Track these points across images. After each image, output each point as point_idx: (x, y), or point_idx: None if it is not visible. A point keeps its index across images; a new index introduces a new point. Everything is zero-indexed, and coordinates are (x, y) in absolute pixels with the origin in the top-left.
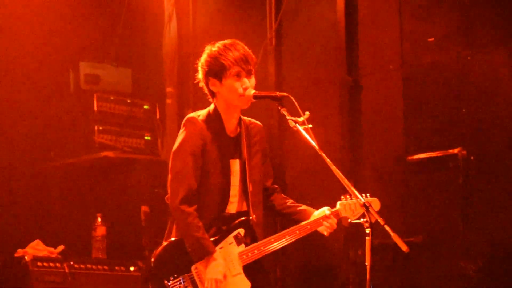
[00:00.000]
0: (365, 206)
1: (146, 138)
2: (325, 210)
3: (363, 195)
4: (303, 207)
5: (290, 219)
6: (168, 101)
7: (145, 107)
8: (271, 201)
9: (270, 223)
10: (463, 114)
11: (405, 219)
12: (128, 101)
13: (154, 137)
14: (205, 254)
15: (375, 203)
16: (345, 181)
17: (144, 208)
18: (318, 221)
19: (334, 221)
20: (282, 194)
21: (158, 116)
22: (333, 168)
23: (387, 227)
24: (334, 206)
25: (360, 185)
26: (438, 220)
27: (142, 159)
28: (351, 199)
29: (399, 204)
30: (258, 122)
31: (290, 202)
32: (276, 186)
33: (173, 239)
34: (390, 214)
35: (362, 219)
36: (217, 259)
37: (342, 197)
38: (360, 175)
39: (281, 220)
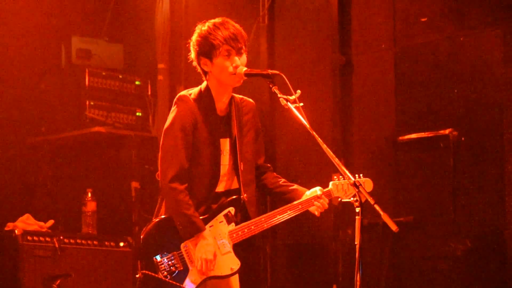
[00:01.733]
0: (356, 185)
1: (137, 114)
2: (317, 190)
3: (357, 175)
4: (295, 186)
5: (282, 199)
6: (160, 77)
7: (137, 83)
8: (263, 179)
9: (261, 202)
10: (454, 95)
11: (395, 199)
12: (120, 76)
13: (145, 113)
14: (194, 231)
15: (368, 184)
16: (335, 160)
17: (134, 184)
18: (310, 201)
19: (325, 201)
20: (274, 173)
21: (149, 92)
22: (324, 147)
23: (377, 207)
24: (324, 184)
25: (351, 164)
26: (428, 200)
27: (133, 135)
28: (343, 179)
29: (389, 184)
30: (250, 100)
31: (282, 181)
32: (268, 164)
33: (163, 216)
34: (380, 194)
35: (352, 198)
36: (206, 238)
37: (335, 177)
38: (350, 154)
39: (272, 199)
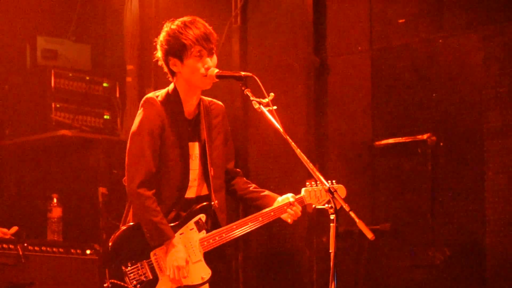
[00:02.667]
0: (330, 191)
1: (105, 117)
2: (289, 197)
3: (329, 181)
4: (266, 192)
5: (252, 205)
6: (129, 79)
7: (105, 84)
8: (233, 185)
9: (233, 208)
10: (433, 99)
11: (372, 206)
12: (87, 78)
13: (114, 116)
14: (163, 239)
15: (341, 190)
16: (310, 166)
17: (101, 190)
18: (282, 208)
19: (298, 208)
20: (244, 178)
21: (118, 95)
22: (298, 152)
23: (352, 214)
24: (299, 191)
25: (326, 170)
26: (406, 207)
27: (100, 138)
28: (316, 185)
29: (365, 191)
30: (220, 103)
31: (252, 187)
32: (238, 169)
33: (131, 223)
34: (357, 200)
35: (327, 205)
36: (176, 245)
37: (307, 183)
38: (326, 159)
39: (244, 205)
